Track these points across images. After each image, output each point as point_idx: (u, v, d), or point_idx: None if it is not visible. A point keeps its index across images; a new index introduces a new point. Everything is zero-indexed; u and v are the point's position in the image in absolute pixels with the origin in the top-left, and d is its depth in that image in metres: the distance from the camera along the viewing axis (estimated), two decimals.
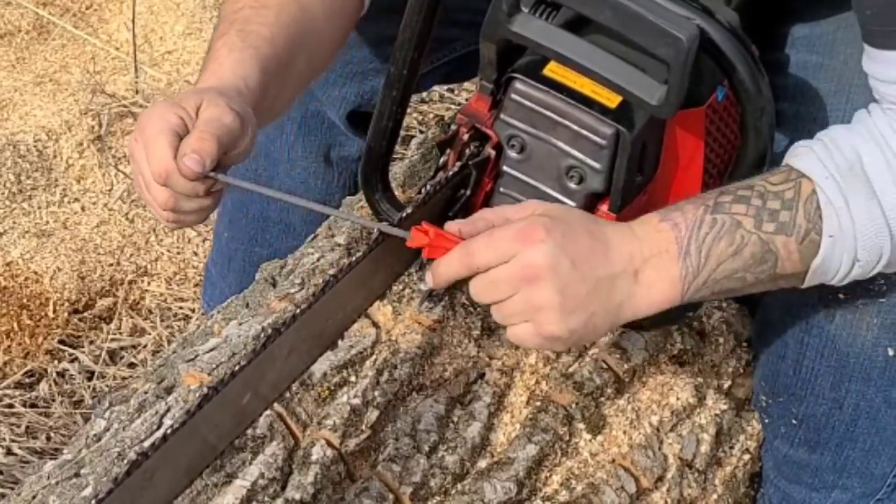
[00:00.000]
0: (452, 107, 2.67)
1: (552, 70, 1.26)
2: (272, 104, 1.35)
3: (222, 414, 1.09)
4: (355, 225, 1.53)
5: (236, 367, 1.08)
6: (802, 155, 1.21)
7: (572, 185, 1.28)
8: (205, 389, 1.23)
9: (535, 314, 1.14)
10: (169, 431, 1.03)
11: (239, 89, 1.28)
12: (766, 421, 1.54)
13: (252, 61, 1.31)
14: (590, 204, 1.29)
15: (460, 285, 1.23)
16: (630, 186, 1.28)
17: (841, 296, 1.38)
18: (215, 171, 1.21)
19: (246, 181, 1.27)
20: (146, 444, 1.19)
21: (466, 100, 1.91)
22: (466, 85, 2.61)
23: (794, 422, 1.49)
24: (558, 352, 1.41)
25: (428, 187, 1.28)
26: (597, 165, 1.26)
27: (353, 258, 1.20)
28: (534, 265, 1.12)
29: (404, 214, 1.23)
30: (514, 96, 1.28)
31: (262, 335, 1.33)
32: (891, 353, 1.39)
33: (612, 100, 1.24)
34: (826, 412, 1.46)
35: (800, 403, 1.47)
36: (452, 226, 1.18)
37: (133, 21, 2.68)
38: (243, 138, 1.23)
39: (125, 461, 1.19)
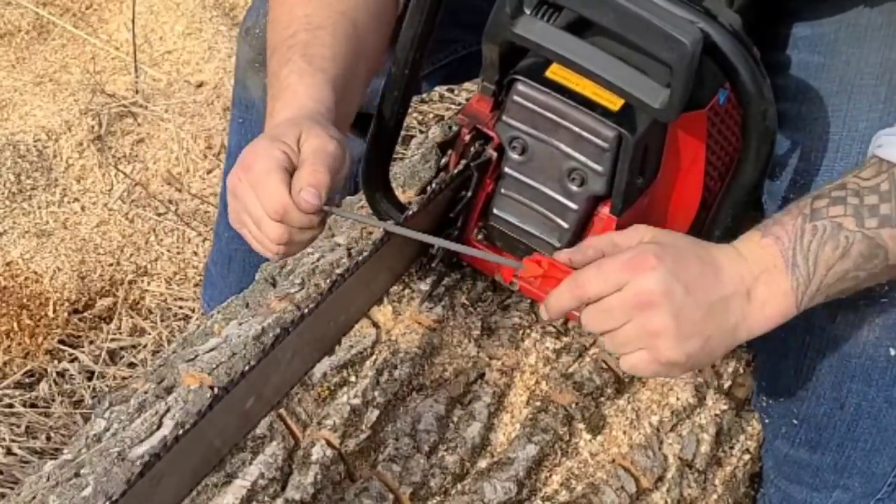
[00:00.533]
0: (452, 107, 2.67)
1: (554, 72, 1.26)
2: (344, 119, 1.37)
3: (227, 418, 1.09)
4: (355, 225, 1.52)
5: (245, 368, 1.08)
6: (888, 145, 1.22)
7: (574, 188, 1.28)
8: (209, 392, 1.24)
9: (651, 341, 1.15)
10: (178, 435, 1.03)
11: (321, 113, 1.29)
12: (767, 421, 1.54)
13: (323, 84, 1.32)
14: (590, 206, 1.29)
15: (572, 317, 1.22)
16: (631, 189, 1.28)
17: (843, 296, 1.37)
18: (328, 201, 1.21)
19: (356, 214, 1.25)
20: (152, 447, 1.20)
21: (467, 100, 1.91)
22: (466, 85, 2.61)
23: (794, 422, 1.48)
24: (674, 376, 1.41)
25: (433, 186, 1.28)
26: (598, 168, 1.26)
27: (359, 258, 1.20)
28: (647, 292, 1.13)
29: (410, 213, 1.24)
30: (516, 98, 1.28)
31: (267, 337, 1.33)
32: (892, 353, 1.39)
33: (614, 102, 1.24)
34: (827, 412, 1.45)
35: (801, 403, 1.47)
36: (562, 255, 1.20)
37: (133, 21, 2.68)
38: (345, 162, 1.24)
39: (136, 464, 1.19)
